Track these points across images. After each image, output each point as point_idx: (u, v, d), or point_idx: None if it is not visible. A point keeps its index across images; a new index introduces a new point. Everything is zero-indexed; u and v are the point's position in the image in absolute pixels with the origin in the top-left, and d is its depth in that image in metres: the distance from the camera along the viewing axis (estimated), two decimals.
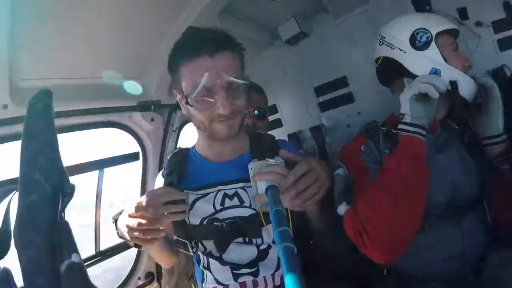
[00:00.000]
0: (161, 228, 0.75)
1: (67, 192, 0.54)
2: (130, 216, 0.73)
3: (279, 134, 1.87)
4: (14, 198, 0.56)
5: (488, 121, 0.82)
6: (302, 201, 0.65)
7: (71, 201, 0.56)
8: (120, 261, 1.51)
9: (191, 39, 0.78)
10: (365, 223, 0.69)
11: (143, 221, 0.70)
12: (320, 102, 1.67)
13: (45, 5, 0.87)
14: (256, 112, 1.27)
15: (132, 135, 1.46)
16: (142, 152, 1.51)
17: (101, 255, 1.32)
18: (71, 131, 1.22)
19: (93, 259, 1.30)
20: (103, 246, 1.36)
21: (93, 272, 1.32)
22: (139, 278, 1.42)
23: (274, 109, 1.86)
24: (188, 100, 0.75)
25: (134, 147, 1.52)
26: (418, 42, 0.84)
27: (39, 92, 0.59)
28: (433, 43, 0.83)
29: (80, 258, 0.47)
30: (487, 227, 0.84)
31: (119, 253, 1.38)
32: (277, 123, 1.89)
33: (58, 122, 1.11)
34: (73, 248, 0.47)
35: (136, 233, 0.73)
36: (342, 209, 0.77)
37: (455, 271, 0.81)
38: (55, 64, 1.04)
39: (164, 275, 1.48)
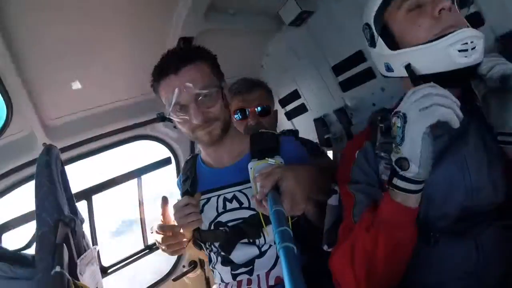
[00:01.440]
0: (183, 240, 0.93)
1: (66, 222, 0.74)
2: (157, 232, 0.91)
3: (304, 119, 1.80)
4: None
5: (504, 111, 0.57)
6: None
7: None
8: None
9: (160, 62, 0.85)
10: (338, 279, 0.65)
11: (161, 236, 0.91)
12: (340, 82, 1.51)
13: (61, 44, 1.01)
14: (258, 109, 1.26)
15: (161, 143, 1.64)
16: (173, 157, 1.68)
17: (149, 249, 1.57)
18: (108, 149, 1.44)
19: (142, 252, 1.56)
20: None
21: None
22: (183, 266, 1.62)
23: (296, 95, 1.78)
24: (169, 116, 0.83)
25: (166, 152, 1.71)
26: (368, 40, 0.71)
27: (43, 149, 0.80)
28: (375, 35, 0.68)
29: (62, 268, 0.63)
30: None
31: None
32: (302, 109, 1.80)
33: (94, 145, 1.36)
34: (60, 262, 0.63)
35: (163, 247, 0.93)
36: (325, 248, 0.74)
37: None
38: (79, 98, 1.24)
39: (206, 262, 1.67)
